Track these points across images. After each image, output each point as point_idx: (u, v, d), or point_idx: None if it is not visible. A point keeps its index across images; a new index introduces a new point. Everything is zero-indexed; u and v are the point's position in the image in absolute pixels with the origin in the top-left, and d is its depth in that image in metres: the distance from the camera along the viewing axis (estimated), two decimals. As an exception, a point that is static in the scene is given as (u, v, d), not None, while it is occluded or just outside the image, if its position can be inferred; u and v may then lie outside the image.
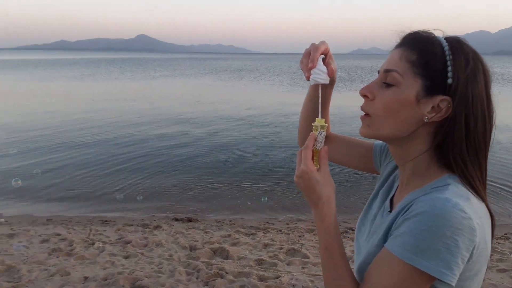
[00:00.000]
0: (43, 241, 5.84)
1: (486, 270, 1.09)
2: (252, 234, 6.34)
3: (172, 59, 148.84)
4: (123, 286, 4.34)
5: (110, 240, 5.88)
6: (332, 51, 1.24)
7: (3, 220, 7.10)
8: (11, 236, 6.05)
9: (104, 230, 6.37)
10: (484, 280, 3.64)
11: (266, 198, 8.07)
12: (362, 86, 1.10)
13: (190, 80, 44.61)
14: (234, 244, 5.77)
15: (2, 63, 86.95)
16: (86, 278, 4.54)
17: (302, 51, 1.21)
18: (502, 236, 6.17)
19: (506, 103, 25.34)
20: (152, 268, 4.86)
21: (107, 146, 12.55)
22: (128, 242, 5.77)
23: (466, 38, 1.05)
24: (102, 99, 25.36)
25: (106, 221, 6.99)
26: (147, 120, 17.32)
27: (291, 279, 4.56)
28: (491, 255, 4.22)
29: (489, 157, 1.06)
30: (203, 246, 5.57)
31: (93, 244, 5.71)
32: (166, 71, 62.78)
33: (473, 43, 1.05)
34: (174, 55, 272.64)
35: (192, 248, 5.57)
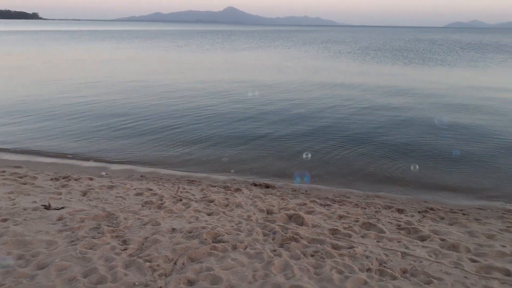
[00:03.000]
0: (138, 194, 6.51)
1: None
2: (327, 205, 6.42)
3: (258, 31, 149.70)
4: (206, 239, 4.73)
5: (195, 198, 6.38)
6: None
7: (104, 173, 8.02)
8: (110, 187, 6.85)
9: (190, 189, 6.91)
10: None
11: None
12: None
13: (277, 51, 44.68)
14: (309, 213, 5.91)
15: (106, 33, 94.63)
16: (174, 229, 5.02)
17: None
18: None
19: None
20: (232, 226, 5.20)
21: (197, 112, 13.33)
22: (211, 201, 6.21)
23: None
24: (198, 68, 26.71)
25: (192, 181, 7.55)
26: (232, 90, 17.92)
27: (365, 250, 4.60)
28: None
29: None
30: (279, 211, 5.80)
31: (181, 200, 6.24)
32: (253, 43, 63.47)
33: None
34: (260, 28, 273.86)
35: (269, 212, 5.83)
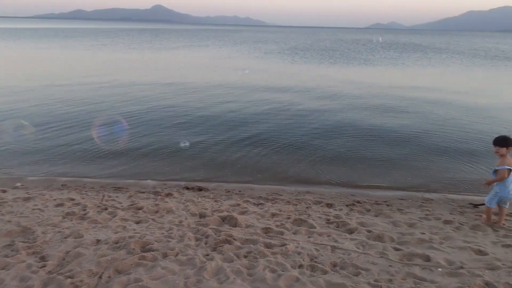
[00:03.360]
0: (58, 205, 6.04)
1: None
2: (261, 204, 6.43)
3: (188, 30, 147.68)
4: (133, 249, 4.49)
5: (122, 206, 6.05)
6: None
7: (19, 184, 7.34)
8: (27, 199, 6.28)
9: (117, 196, 6.55)
10: (487, 254, 3.67)
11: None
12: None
13: (208, 50, 44.29)
14: (242, 213, 5.88)
15: (20, 32, 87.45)
16: (98, 241, 4.71)
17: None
18: (511, 212, 6.12)
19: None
20: (162, 233, 5.00)
21: (122, 115, 12.73)
22: (140, 208, 5.94)
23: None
24: (124, 69, 25.54)
25: (119, 187, 7.17)
26: (162, 90, 17.42)
27: (297, 247, 4.65)
28: (496, 230, 4.18)
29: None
30: (212, 214, 5.69)
31: (106, 209, 5.89)
32: (183, 42, 62.44)
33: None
34: (190, 27, 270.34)
35: (202, 216, 5.70)
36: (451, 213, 6.22)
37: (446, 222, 5.72)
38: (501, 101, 17.49)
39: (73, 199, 6.26)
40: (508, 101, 17.74)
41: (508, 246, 4.79)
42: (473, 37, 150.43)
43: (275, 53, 42.73)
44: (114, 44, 51.21)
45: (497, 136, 5.63)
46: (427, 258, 4.42)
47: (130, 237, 4.81)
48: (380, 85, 21.17)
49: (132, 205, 6.11)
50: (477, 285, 3.82)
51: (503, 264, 4.25)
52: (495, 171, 5.54)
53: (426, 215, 6.06)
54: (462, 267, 4.20)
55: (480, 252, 4.59)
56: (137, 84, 19.39)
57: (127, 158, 9.01)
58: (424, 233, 5.18)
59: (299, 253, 4.49)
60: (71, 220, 5.38)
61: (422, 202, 6.85)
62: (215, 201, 6.51)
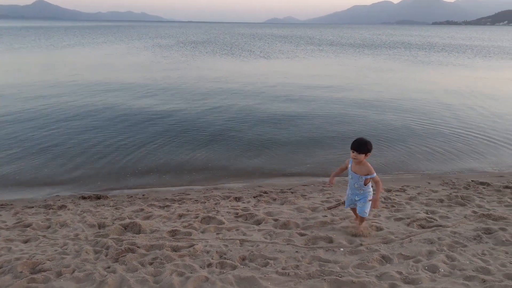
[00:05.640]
0: None
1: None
2: (167, 206, 6.18)
3: (78, 27, 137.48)
4: (21, 272, 3.98)
5: (6, 225, 5.35)
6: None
7: None
8: None
9: (0, 215, 5.78)
10: (382, 229, 3.90)
11: None
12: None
13: (105, 48, 41.58)
14: (146, 218, 5.58)
15: None
16: (-24, 269, 4.09)
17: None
18: (399, 188, 6.72)
19: (404, 71, 27.37)
20: (55, 250, 4.52)
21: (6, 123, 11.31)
22: (28, 226, 5.30)
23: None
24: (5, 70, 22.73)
25: (1, 205, 6.33)
26: (48, 93, 15.91)
27: (205, 246, 4.54)
28: (392, 206, 4.48)
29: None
30: (113, 223, 5.31)
31: (-14, 231, 5.15)
32: (73, 40, 57.85)
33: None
34: (80, 23, 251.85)
35: (101, 226, 5.28)
36: (349, 194, 6.61)
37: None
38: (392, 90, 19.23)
39: None
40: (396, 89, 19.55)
41: (399, 219, 5.23)
42: (359, 29, 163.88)
43: (175, 48, 41.77)
44: (-9, 44, 45.50)
45: (356, 139, 4.50)
46: (330, 240, 4.62)
47: (17, 259, 4.25)
48: (280, 76, 21.92)
49: (18, 222, 5.43)
50: (374, 260, 4.10)
51: (396, 237, 4.62)
52: (359, 179, 4.63)
53: (328, 198, 6.36)
54: (361, 244, 4.46)
55: (376, 228, 4.94)
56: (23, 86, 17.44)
57: (7, 168, 8.00)
58: (326, 216, 5.42)
59: (207, 252, 4.38)
60: None
61: (323, 187, 7.19)
62: (116, 208, 6.09)
